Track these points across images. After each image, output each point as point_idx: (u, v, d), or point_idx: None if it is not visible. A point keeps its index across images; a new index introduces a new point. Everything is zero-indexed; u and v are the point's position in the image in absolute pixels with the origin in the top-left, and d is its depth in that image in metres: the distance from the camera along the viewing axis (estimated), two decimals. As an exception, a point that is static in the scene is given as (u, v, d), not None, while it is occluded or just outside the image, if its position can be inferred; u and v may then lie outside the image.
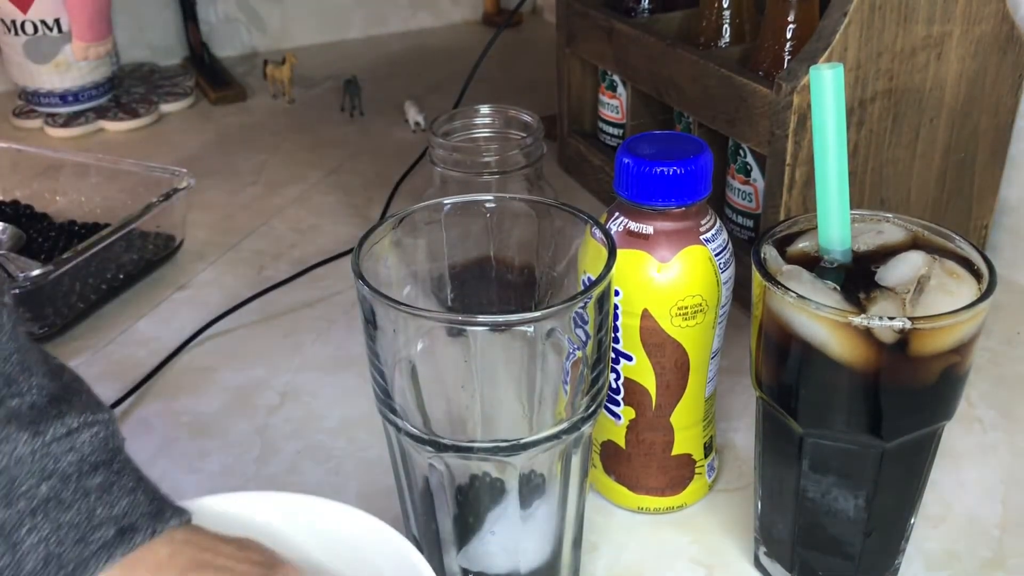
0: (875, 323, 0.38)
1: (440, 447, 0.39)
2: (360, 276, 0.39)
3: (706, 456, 0.52)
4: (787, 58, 0.66)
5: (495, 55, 0.93)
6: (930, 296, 0.40)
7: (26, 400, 0.34)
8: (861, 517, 0.44)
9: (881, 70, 0.61)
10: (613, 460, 0.52)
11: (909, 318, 0.38)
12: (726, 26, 0.73)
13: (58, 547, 0.33)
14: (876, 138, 0.63)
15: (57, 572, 0.33)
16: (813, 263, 0.43)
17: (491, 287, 0.54)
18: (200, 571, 0.35)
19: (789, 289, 0.40)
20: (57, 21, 0.99)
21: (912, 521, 0.46)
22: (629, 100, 0.80)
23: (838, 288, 0.41)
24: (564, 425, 0.40)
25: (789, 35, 0.66)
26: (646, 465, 0.51)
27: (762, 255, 0.43)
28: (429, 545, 0.44)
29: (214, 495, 0.42)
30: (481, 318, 0.37)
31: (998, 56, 0.65)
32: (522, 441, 0.39)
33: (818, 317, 0.39)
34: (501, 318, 0.37)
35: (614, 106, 0.83)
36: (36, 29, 0.99)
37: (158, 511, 0.36)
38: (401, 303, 0.38)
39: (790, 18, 0.65)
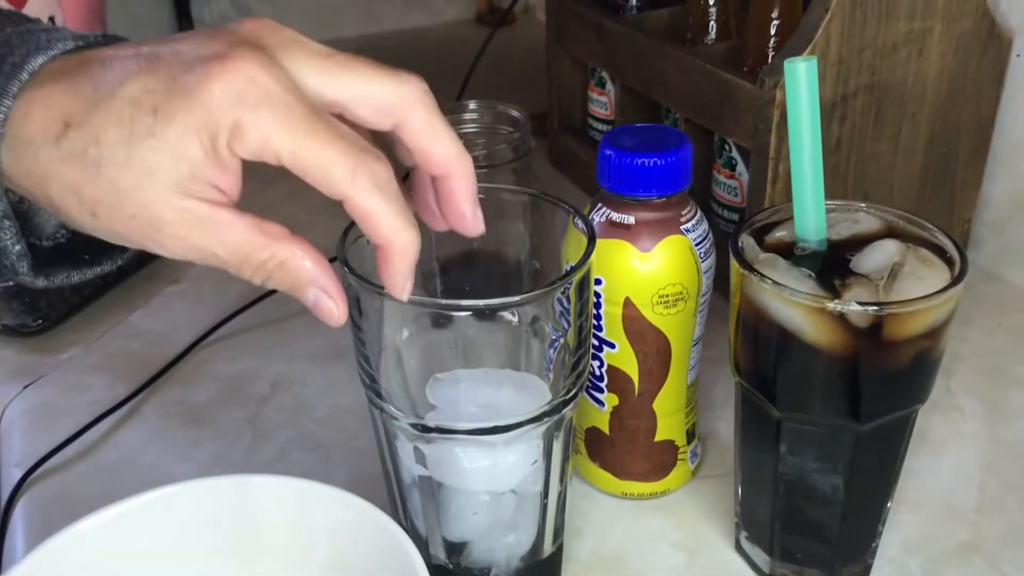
0: (848, 308, 0.39)
1: (425, 429, 0.40)
2: (345, 263, 0.40)
3: (689, 443, 0.53)
4: (771, 54, 0.67)
5: (488, 53, 0.94)
6: (903, 282, 0.41)
7: None
8: (838, 500, 0.45)
9: (863, 65, 0.62)
10: (597, 446, 0.53)
11: (880, 303, 0.39)
12: (712, 23, 0.74)
13: None
14: (859, 133, 0.64)
15: None
16: (790, 252, 0.44)
17: (478, 279, 0.55)
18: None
19: (765, 276, 0.41)
20: (52, 19, 1.00)
21: (888, 505, 0.47)
22: (617, 97, 0.81)
23: (813, 275, 0.42)
24: (546, 407, 0.41)
25: (773, 31, 0.67)
26: (630, 451, 0.52)
27: (740, 244, 0.44)
28: (415, 528, 0.45)
29: (205, 478, 0.42)
30: (464, 303, 0.38)
31: (979, 52, 0.66)
32: (505, 423, 0.40)
33: (794, 303, 0.40)
34: (482, 303, 0.38)
35: (603, 103, 0.84)
36: (31, 27, 0.99)
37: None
38: (384, 288, 0.38)
39: (774, 14, 0.66)
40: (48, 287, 0.38)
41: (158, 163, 0.32)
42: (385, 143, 0.37)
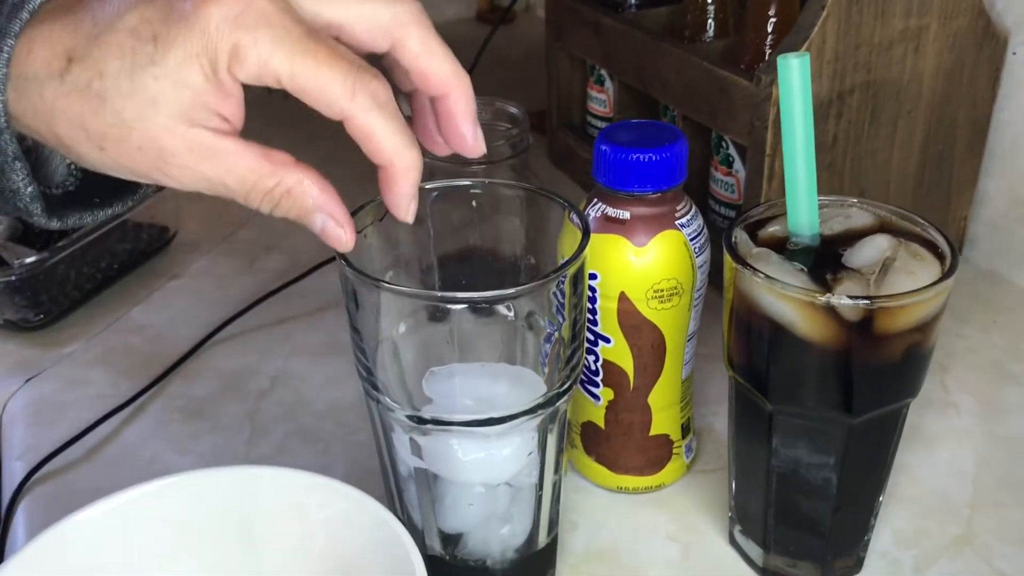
0: (839, 301, 0.39)
1: (421, 421, 0.41)
2: (342, 256, 0.40)
3: (683, 437, 0.54)
4: (768, 51, 0.67)
5: (488, 51, 0.95)
6: (894, 277, 0.41)
7: None
8: (830, 493, 0.45)
9: (859, 63, 0.62)
10: (593, 441, 0.53)
11: (871, 297, 0.39)
12: (710, 20, 0.74)
13: None
14: (855, 130, 0.64)
15: None
16: (783, 247, 0.44)
17: (475, 275, 0.55)
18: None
19: (758, 270, 0.41)
20: None
21: (880, 498, 0.47)
22: (616, 94, 0.82)
23: (805, 269, 0.42)
24: (540, 399, 0.41)
25: (770, 29, 0.67)
26: (625, 445, 0.52)
27: (733, 239, 0.44)
28: (411, 520, 0.45)
29: (204, 469, 0.43)
30: (460, 295, 0.38)
31: (975, 50, 0.66)
32: (500, 415, 0.40)
33: (786, 297, 0.41)
34: (478, 295, 0.38)
35: (601, 100, 0.84)
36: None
37: None
38: (381, 280, 0.39)
39: (771, 12, 0.67)
40: (63, 228, 0.38)
41: (161, 92, 0.32)
42: (383, 70, 0.37)
